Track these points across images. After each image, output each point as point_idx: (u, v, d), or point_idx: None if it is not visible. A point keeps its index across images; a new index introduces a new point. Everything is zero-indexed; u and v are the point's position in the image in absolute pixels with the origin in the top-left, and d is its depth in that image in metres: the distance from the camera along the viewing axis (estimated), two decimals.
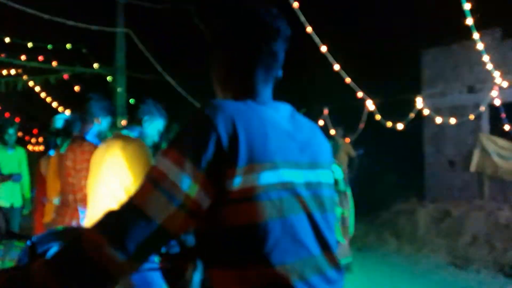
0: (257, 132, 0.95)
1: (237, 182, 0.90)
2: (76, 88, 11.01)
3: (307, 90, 10.04)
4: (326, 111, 8.69)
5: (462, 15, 5.43)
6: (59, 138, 3.94)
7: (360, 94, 6.72)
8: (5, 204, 4.76)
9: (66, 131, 3.32)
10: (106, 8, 10.07)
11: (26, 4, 8.14)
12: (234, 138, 0.91)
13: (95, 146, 2.59)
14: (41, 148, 7.40)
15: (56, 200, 3.05)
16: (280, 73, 1.12)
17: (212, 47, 1.12)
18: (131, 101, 9.43)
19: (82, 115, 2.85)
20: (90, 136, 2.77)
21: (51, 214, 3.11)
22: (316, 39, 5.38)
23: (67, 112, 10.68)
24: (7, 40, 9.75)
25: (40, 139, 5.26)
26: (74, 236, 0.90)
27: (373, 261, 6.04)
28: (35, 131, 10.77)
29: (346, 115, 8.06)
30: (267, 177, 0.93)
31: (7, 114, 11.86)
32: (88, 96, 2.85)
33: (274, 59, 1.08)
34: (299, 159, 1.01)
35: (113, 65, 10.41)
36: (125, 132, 2.37)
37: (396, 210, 7.76)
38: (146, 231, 0.86)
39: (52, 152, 3.77)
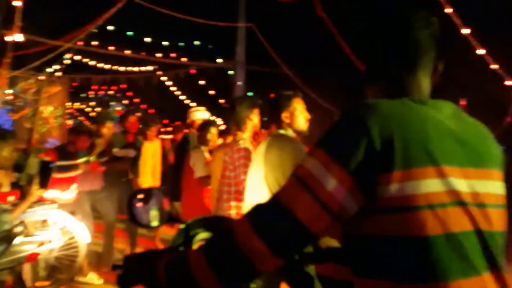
0: (417, 134, 0.88)
1: (393, 189, 0.86)
2: (201, 82, 11.79)
3: (440, 77, 9.00)
4: (463, 102, 7.74)
5: None
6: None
7: (508, 83, 5.79)
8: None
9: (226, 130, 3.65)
10: (228, 2, 10.44)
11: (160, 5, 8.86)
12: (388, 141, 0.86)
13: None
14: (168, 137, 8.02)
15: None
16: (441, 65, 1.03)
17: (360, 44, 1.09)
18: (249, 94, 9.68)
19: (235, 123, 3.06)
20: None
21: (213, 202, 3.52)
22: (458, 21, 4.68)
23: (194, 105, 11.42)
24: (147, 40, 10.88)
25: (178, 135, 5.80)
26: (226, 227, 0.95)
27: None
28: (165, 121, 11.88)
29: (488, 106, 7.02)
30: (430, 185, 0.86)
31: (148, 109, 13.24)
32: (233, 101, 3.05)
33: (432, 51, 1.01)
34: (465, 166, 0.92)
35: (234, 59, 10.82)
36: (282, 131, 2.49)
37: None
38: (290, 229, 0.88)
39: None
